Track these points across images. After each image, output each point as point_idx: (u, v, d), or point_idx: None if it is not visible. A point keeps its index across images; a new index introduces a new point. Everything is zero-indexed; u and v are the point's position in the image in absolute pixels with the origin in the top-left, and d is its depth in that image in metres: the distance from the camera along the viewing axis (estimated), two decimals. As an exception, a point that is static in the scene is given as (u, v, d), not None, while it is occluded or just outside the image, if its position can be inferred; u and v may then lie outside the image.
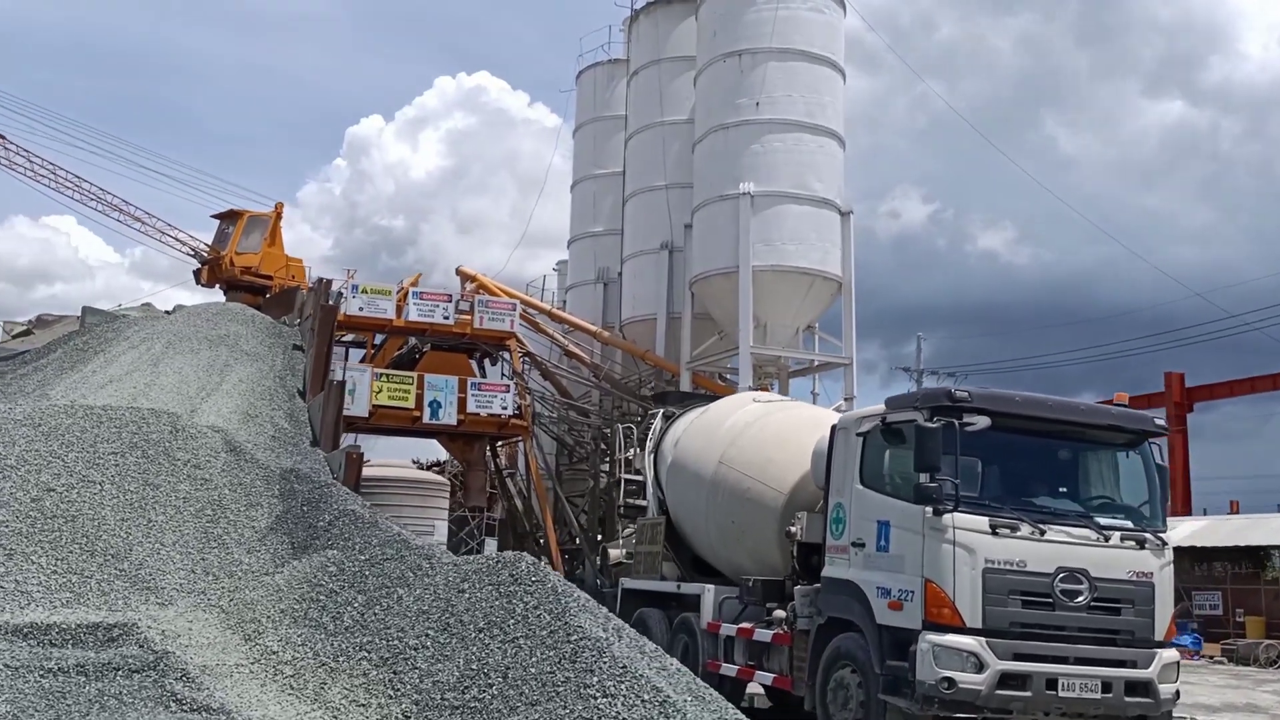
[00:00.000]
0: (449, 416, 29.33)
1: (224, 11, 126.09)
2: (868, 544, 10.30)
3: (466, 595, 8.74)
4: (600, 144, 36.83)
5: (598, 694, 6.69)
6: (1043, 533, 9.63)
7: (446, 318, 30.05)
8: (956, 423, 9.54)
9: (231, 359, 23.05)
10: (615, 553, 16.69)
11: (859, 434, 10.79)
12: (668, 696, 6.71)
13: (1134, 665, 9.76)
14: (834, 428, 11.36)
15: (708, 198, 29.28)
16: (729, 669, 12.50)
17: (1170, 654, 10.05)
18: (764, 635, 11.80)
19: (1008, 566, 9.46)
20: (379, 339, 30.56)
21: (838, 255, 28.80)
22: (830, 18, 29.87)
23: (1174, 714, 10.22)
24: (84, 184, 28.31)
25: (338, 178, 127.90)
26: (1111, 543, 9.88)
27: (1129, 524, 10.10)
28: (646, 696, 6.68)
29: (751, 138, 28.55)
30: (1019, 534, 9.56)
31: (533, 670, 7.21)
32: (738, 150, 28.63)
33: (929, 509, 9.51)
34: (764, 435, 13.51)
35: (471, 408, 29.24)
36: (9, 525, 12.14)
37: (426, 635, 8.41)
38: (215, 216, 30.64)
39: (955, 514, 9.45)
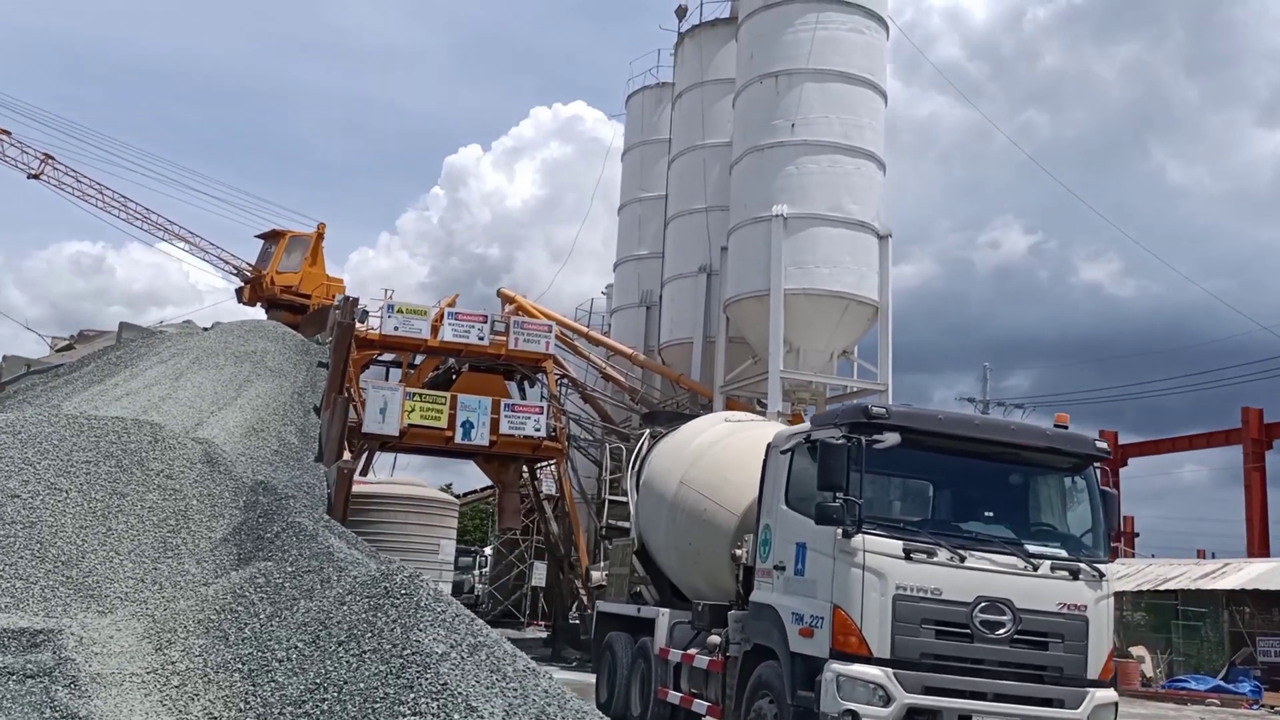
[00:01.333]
0: (481, 437, 29.29)
1: (327, 44, 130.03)
2: (787, 567, 9.79)
3: (345, 607, 8.50)
4: (647, 167, 36.73)
5: (408, 711, 6.38)
6: (963, 559, 8.99)
7: (481, 338, 30.11)
8: (864, 440, 9.02)
9: (253, 375, 23.37)
10: (596, 575, 16.32)
11: (783, 452, 10.30)
12: (479, 715, 6.37)
13: (1061, 704, 9.05)
14: (767, 446, 10.88)
15: (741, 220, 28.90)
16: (674, 696, 12.04)
17: (1106, 694, 9.30)
18: (702, 662, 11.33)
19: (921, 594, 8.85)
20: (420, 359, 30.74)
21: (875, 279, 28.12)
22: (871, 38, 29.32)
23: None
24: (129, 203, 29.13)
25: (435, 206, 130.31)
26: (1041, 572, 9.19)
27: (1062, 553, 9.40)
28: (457, 717, 6.34)
29: (786, 159, 28.11)
30: (936, 559, 8.94)
31: (362, 685, 6.93)
32: (772, 172, 28.21)
33: (839, 531, 8.98)
34: (725, 456, 13.06)
35: (504, 429, 29.17)
36: (-39, 528, 12.37)
37: (295, 648, 8.19)
38: (259, 236, 31.25)
39: (867, 537, 8.90)
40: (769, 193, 28.09)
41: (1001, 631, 8.95)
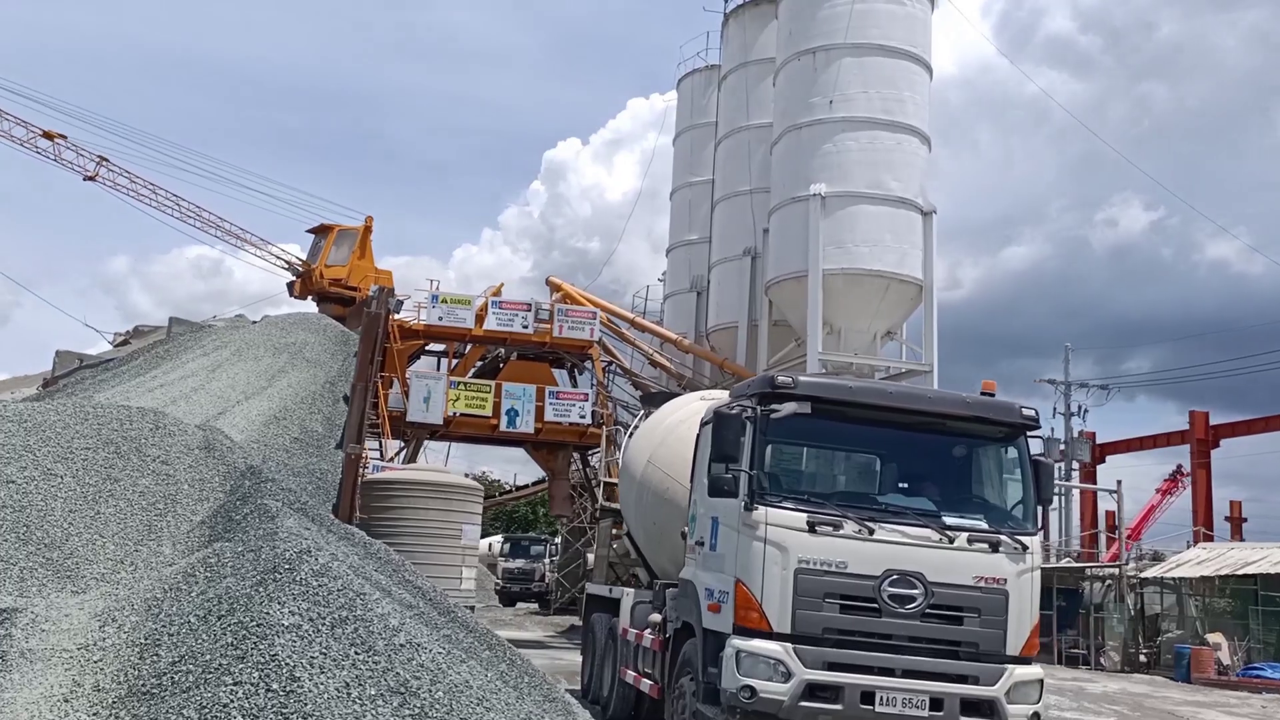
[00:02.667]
0: (526, 425, 29.45)
1: (425, 45, 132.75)
2: (705, 542, 9.58)
3: (236, 581, 8.58)
4: (697, 151, 36.44)
5: (230, 681, 6.39)
6: (871, 531, 8.65)
7: (525, 327, 30.22)
8: (760, 411, 8.75)
9: (289, 365, 23.87)
10: (591, 556, 16.25)
11: (704, 425, 10.07)
12: (300, 687, 6.33)
13: (975, 681, 8.64)
14: (700, 421, 10.65)
15: (781, 200, 28.46)
16: (630, 676, 11.91)
17: (1028, 671, 8.85)
18: (647, 641, 11.17)
19: (825, 567, 8.54)
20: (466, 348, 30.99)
21: (918, 257, 27.42)
22: (912, 9, 28.56)
23: None
24: (182, 202, 30.02)
25: (536, 201, 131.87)
26: (957, 544, 8.78)
27: (982, 524, 8.96)
28: (275, 686, 6.33)
29: (824, 137, 27.58)
30: (841, 532, 8.62)
31: (207, 656, 6.96)
32: (810, 151, 27.71)
33: (742, 504, 8.74)
34: (690, 434, 12.82)
35: (550, 416, 29.26)
36: (-47, 512, 12.91)
37: (188, 623, 8.28)
38: (310, 231, 31.89)
39: (769, 510, 8.64)
40: (807, 172, 27.60)
41: (912, 606, 8.61)
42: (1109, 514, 44.72)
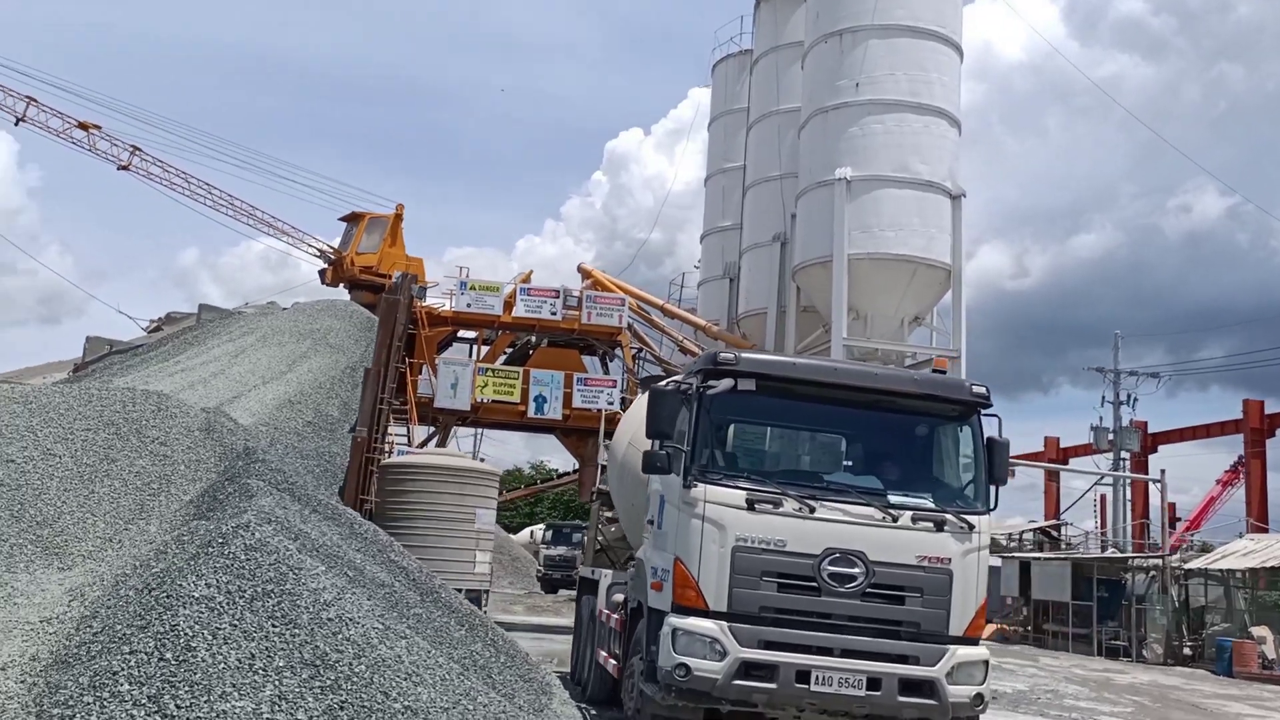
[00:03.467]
0: (554, 411, 29.48)
1: (483, 39, 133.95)
2: (655, 520, 9.49)
3: (181, 558, 8.66)
4: (730, 137, 36.17)
5: (128, 650, 6.45)
6: (812, 510, 8.50)
7: (554, 313, 30.22)
8: (697, 387, 8.63)
9: (311, 351, 24.16)
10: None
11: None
12: (195, 656, 6.38)
13: (915, 661, 8.46)
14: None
15: (807, 185, 28.14)
16: (601, 656, 11.87)
17: (972, 652, 8.64)
18: (612, 621, 11.12)
19: (763, 545, 8.42)
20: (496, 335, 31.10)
21: (946, 241, 26.95)
22: (941, -12, 28.02)
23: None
24: (214, 191, 30.49)
25: (598, 192, 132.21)
26: (900, 523, 8.60)
27: (927, 503, 8.76)
28: (169, 656, 6.37)
29: (850, 120, 27.21)
30: (781, 510, 8.48)
31: (119, 628, 7.03)
32: (836, 134, 27.36)
33: (681, 482, 8.64)
34: (669, 415, 12.74)
35: (577, 403, 29.25)
36: (-50, 490, 13.25)
37: (127, 597, 8.37)
38: (341, 219, 32.23)
39: (708, 487, 8.54)
40: (833, 156, 27.25)
41: (852, 585, 8.46)
42: (1170, 505, 43.80)
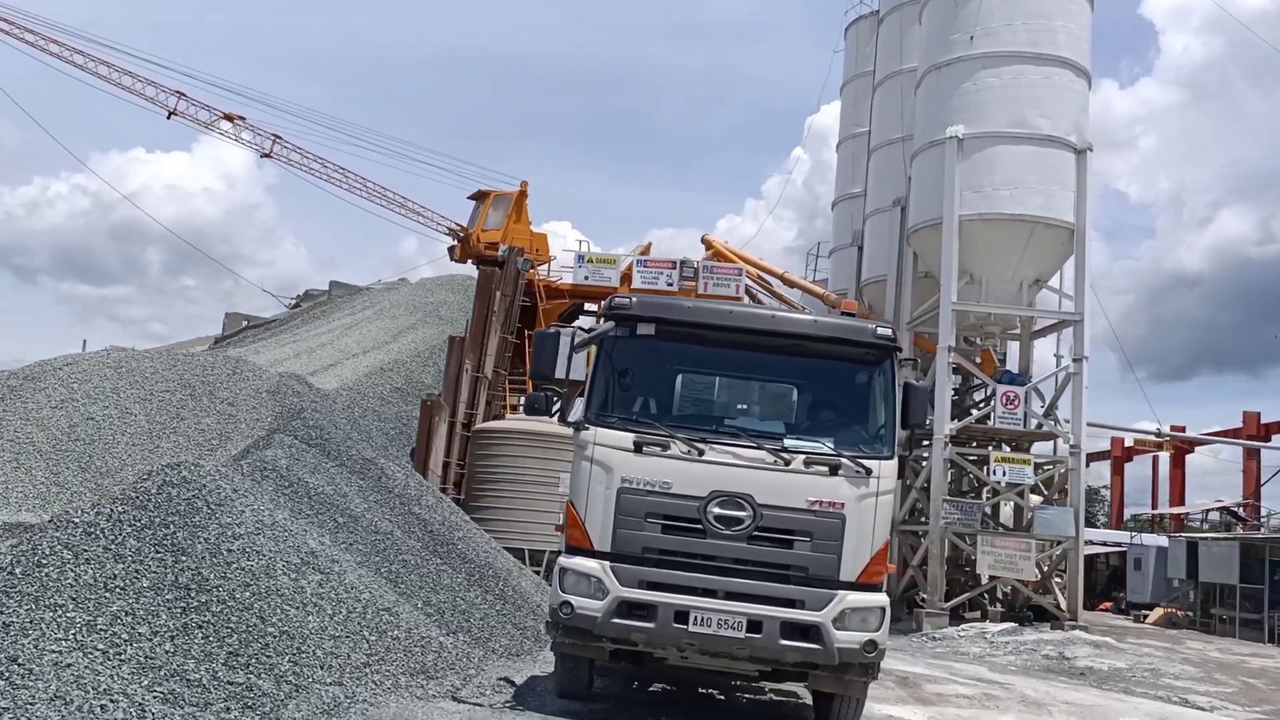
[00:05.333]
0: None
1: (675, 23, 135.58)
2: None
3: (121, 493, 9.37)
4: (860, 101, 35.27)
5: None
6: (701, 452, 8.41)
7: (671, 284, 30.44)
8: (579, 331, 8.69)
9: (419, 323, 25.17)
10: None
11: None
12: (42, 574, 6.95)
13: (801, 605, 8.25)
14: None
15: (921, 145, 27.22)
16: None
17: (863, 598, 8.33)
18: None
19: (648, 487, 8.39)
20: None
21: (1069, 199, 25.53)
22: (1066, -68, 26.47)
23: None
24: (349, 174, 32.01)
25: (799, 169, 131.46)
26: (793, 467, 8.39)
27: (822, 447, 8.51)
28: (18, 571, 6.97)
29: (964, 75, 26.10)
30: (669, 452, 8.43)
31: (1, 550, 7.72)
32: (949, 91, 26.31)
33: (576, 426, 8.73)
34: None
35: (694, 373, 29.43)
36: (34, 443, 14.59)
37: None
38: (470, 198, 33.25)
39: (599, 430, 8.60)
40: (946, 114, 26.22)
41: (739, 528, 8.34)
42: None
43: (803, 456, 8.46)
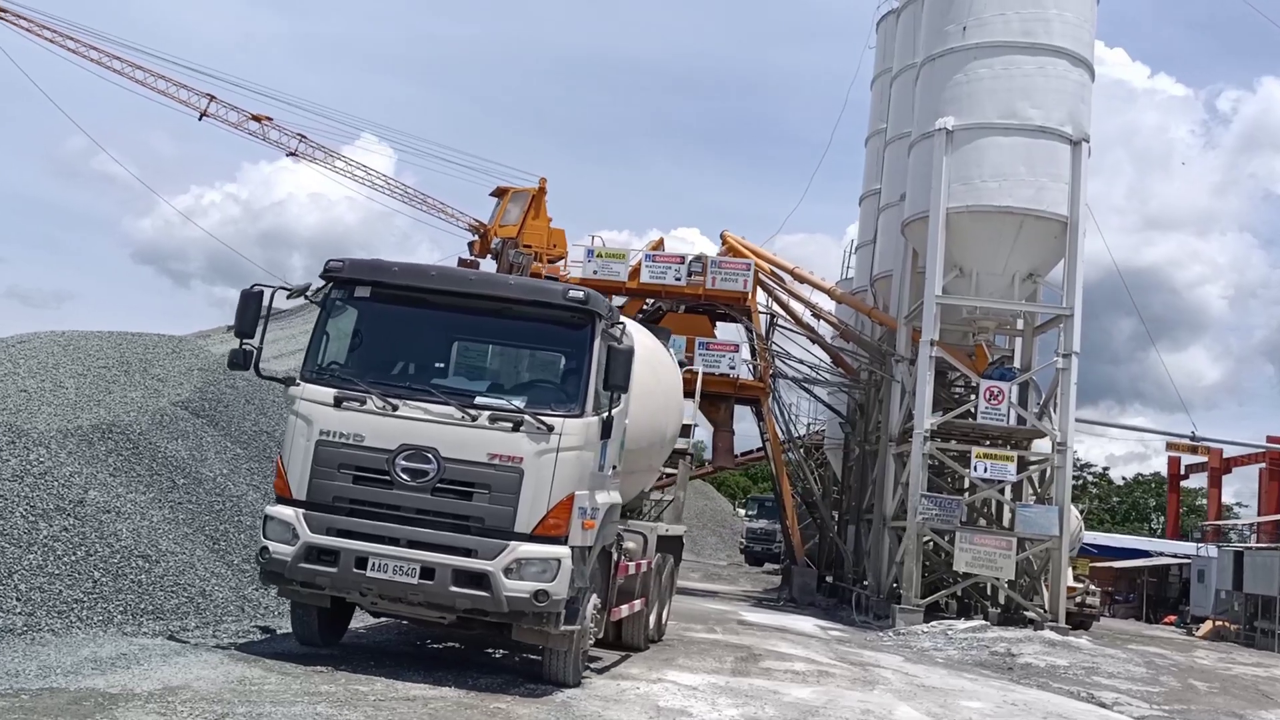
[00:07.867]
0: (676, 375, 29.94)
1: (804, 29, 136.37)
2: None
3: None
4: (886, 96, 34.90)
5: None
6: (395, 408, 8.89)
7: (678, 279, 30.72)
8: (275, 291, 9.20)
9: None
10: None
11: None
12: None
13: (474, 554, 8.60)
14: None
15: (915, 138, 26.93)
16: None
17: (537, 549, 8.69)
18: None
19: (342, 440, 8.90)
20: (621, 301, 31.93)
21: (1062, 191, 24.91)
22: (1065, -82, 25.83)
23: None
24: (371, 172, 33.16)
25: None
26: (478, 422, 8.78)
27: (510, 404, 8.89)
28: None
29: (956, 67, 25.71)
30: (365, 408, 8.92)
31: None
32: (941, 83, 25.97)
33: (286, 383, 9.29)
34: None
35: (698, 367, 29.58)
36: None
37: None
38: (491, 194, 34.21)
39: (306, 386, 9.15)
40: (938, 105, 25.90)
41: (424, 480, 8.84)
42: None
43: (488, 413, 8.84)
